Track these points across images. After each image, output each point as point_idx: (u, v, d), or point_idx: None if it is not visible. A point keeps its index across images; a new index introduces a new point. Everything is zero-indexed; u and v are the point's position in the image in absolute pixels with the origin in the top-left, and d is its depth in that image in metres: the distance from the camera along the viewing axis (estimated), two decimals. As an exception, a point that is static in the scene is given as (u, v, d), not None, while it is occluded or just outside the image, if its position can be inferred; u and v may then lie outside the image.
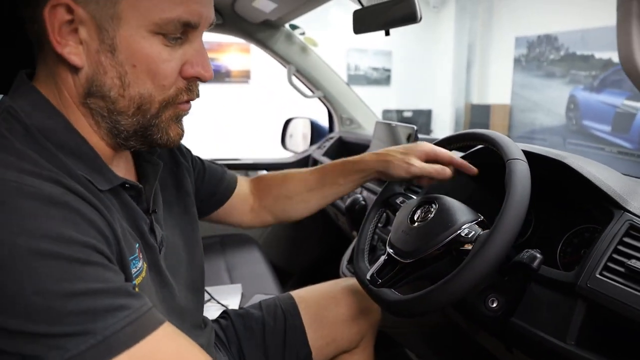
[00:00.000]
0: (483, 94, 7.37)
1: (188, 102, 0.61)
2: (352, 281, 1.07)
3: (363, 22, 1.38)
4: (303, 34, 2.08)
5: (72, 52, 0.53)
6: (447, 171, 0.89)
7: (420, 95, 7.66)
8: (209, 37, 0.85)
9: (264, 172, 2.19)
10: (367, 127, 2.14)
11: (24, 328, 0.42)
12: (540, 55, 6.19)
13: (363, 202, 1.34)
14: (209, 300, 1.38)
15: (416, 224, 0.81)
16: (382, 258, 0.85)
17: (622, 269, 0.67)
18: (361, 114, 2.17)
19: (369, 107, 2.21)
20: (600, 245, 0.71)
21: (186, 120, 0.64)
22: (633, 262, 0.65)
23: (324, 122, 2.32)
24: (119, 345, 0.45)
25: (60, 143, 0.53)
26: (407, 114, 7.43)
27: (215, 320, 1.00)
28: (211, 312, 1.01)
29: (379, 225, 1.11)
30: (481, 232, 0.73)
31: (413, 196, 0.97)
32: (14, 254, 0.42)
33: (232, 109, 5.70)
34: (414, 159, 0.89)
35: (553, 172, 0.88)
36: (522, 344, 0.76)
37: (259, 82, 6.12)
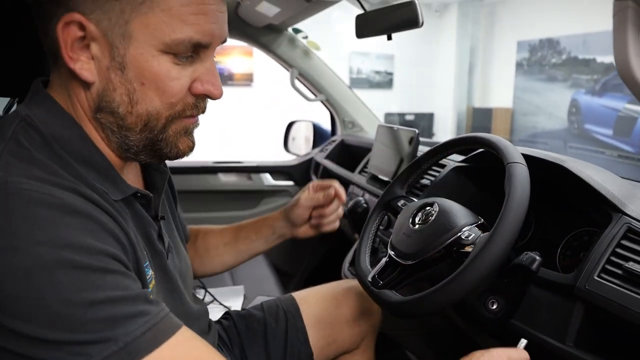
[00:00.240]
0: (485, 98, 7.38)
1: (193, 116, 0.61)
2: (353, 283, 1.08)
3: (365, 26, 1.39)
4: (306, 37, 2.09)
5: (84, 67, 0.53)
6: (331, 191, 0.99)
7: (423, 99, 7.68)
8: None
9: (267, 175, 2.20)
10: (369, 130, 2.15)
11: (47, 336, 0.43)
12: (542, 59, 6.20)
13: (365, 205, 1.36)
14: (212, 302, 1.39)
15: (417, 226, 0.82)
16: (384, 260, 0.86)
17: (620, 272, 0.68)
18: (363, 117, 2.18)
19: (371, 111, 2.22)
20: (599, 248, 0.72)
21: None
22: (631, 265, 0.66)
23: (326, 125, 2.33)
24: (140, 351, 0.46)
25: (75, 153, 0.54)
26: (409, 117, 7.44)
27: (218, 321, 1.01)
28: (214, 313, 1.03)
29: (381, 227, 1.12)
30: (481, 235, 0.74)
31: (414, 199, 0.98)
32: (37, 264, 0.43)
33: (235, 112, 5.72)
34: (302, 195, 1.00)
35: (553, 176, 0.89)
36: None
37: (261, 85, 6.14)
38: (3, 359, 0.44)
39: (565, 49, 5.87)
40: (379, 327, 1.11)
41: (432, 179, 1.16)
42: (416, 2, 1.19)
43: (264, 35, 1.95)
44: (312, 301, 1.03)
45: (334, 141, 2.14)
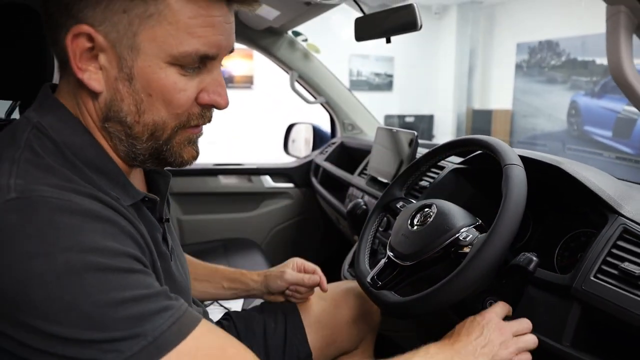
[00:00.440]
0: (485, 100, 7.39)
1: (198, 126, 0.62)
2: (352, 284, 1.09)
3: (364, 29, 1.40)
4: (305, 40, 2.11)
5: (92, 77, 0.54)
6: (316, 277, 1.00)
7: (422, 101, 7.69)
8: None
9: (267, 177, 2.21)
10: (368, 132, 2.16)
11: (80, 336, 0.45)
12: (541, 61, 6.21)
13: (364, 207, 1.36)
14: (211, 303, 1.39)
15: (416, 227, 0.83)
16: (383, 261, 0.86)
17: (616, 272, 0.68)
18: (363, 120, 2.19)
19: (371, 113, 2.23)
20: (595, 249, 0.73)
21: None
22: (626, 265, 0.67)
23: (326, 128, 2.34)
24: (168, 344, 0.48)
25: (87, 160, 0.55)
26: (409, 120, 7.46)
27: (218, 322, 1.01)
28: (214, 314, 1.03)
29: (380, 229, 1.13)
30: (479, 236, 0.75)
31: (413, 201, 0.98)
32: (66, 269, 0.45)
33: (235, 114, 5.73)
34: (288, 269, 1.01)
35: (550, 177, 0.90)
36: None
37: (262, 88, 6.16)
38: (36, 358, 0.46)
39: (564, 51, 5.88)
40: (378, 328, 1.12)
41: (431, 180, 1.17)
42: (415, 5, 1.20)
43: (264, 38, 1.96)
44: (311, 302, 1.04)
45: (333, 143, 2.15)
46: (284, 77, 2.10)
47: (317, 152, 2.24)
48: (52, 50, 0.58)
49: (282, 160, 2.36)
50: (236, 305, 1.40)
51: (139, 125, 0.57)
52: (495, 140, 0.83)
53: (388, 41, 1.32)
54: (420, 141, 1.37)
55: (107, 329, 0.46)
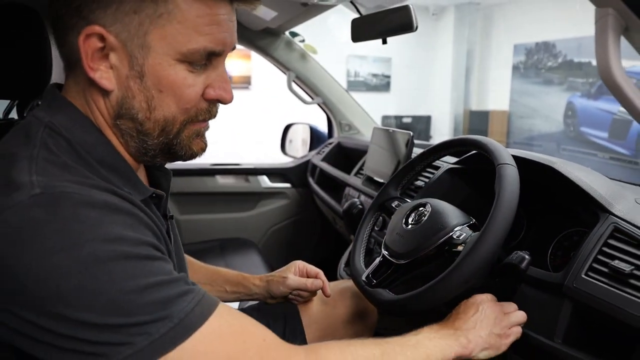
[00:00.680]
0: (482, 101, 7.41)
1: (205, 121, 0.64)
2: (349, 283, 1.09)
3: (361, 30, 1.41)
4: (303, 41, 2.12)
5: (103, 76, 0.56)
6: (318, 282, 1.00)
7: (420, 102, 7.71)
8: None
9: (264, 177, 2.22)
10: (365, 132, 2.17)
11: (108, 321, 0.47)
12: (538, 63, 6.24)
13: (360, 206, 1.37)
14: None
15: (410, 226, 0.84)
16: (378, 260, 0.87)
17: (606, 270, 0.70)
18: (360, 120, 2.20)
19: (367, 113, 2.24)
20: (587, 247, 0.74)
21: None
22: (617, 263, 0.68)
23: (323, 128, 2.35)
24: (193, 325, 0.51)
25: (99, 158, 0.57)
26: (407, 120, 7.48)
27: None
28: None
29: (376, 228, 1.14)
30: (472, 234, 0.76)
31: (408, 200, 0.99)
32: (92, 259, 0.47)
33: (233, 114, 5.73)
34: (290, 274, 1.00)
35: (544, 177, 0.91)
36: (513, 343, 0.78)
37: (259, 88, 6.16)
38: (69, 346, 0.47)
39: (561, 52, 5.91)
40: (375, 327, 1.12)
41: (427, 180, 1.18)
42: (411, 6, 1.21)
43: (261, 38, 1.97)
44: (309, 302, 1.04)
45: (330, 143, 2.16)
46: (282, 77, 2.11)
47: (314, 152, 2.24)
48: (59, 51, 0.59)
49: (279, 160, 2.37)
50: (234, 304, 1.41)
51: (150, 121, 0.59)
52: (489, 140, 0.84)
53: (384, 42, 1.33)
54: (416, 141, 1.38)
55: (134, 314, 0.48)
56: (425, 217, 0.82)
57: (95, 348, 0.47)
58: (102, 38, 0.54)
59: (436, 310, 0.78)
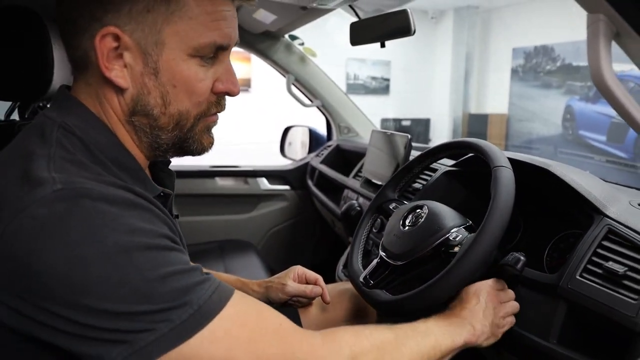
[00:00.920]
0: (481, 104, 7.43)
1: (216, 114, 0.67)
2: (348, 285, 1.10)
3: (360, 34, 1.42)
4: (302, 44, 2.13)
5: (119, 75, 0.58)
6: (318, 288, 0.99)
7: (419, 105, 7.73)
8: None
9: (263, 179, 2.23)
10: (364, 135, 2.18)
11: (133, 309, 0.49)
12: (537, 66, 6.26)
13: (358, 208, 1.38)
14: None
15: (407, 228, 0.84)
16: (375, 261, 0.88)
17: (600, 271, 0.70)
18: (358, 123, 2.21)
19: (366, 116, 2.25)
20: (581, 249, 0.75)
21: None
22: (610, 264, 0.69)
23: (322, 131, 2.36)
24: (212, 311, 0.53)
25: (112, 157, 0.59)
26: (406, 123, 7.49)
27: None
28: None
29: (374, 230, 1.14)
30: (468, 235, 0.77)
31: (406, 202, 1.00)
32: (115, 249, 0.49)
33: (233, 116, 5.75)
34: (289, 281, 1.00)
35: (540, 180, 0.92)
36: (509, 343, 0.79)
37: (259, 91, 6.18)
38: (92, 335, 0.49)
39: (559, 56, 5.94)
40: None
41: (424, 182, 1.19)
42: (409, 10, 1.22)
43: (261, 41, 1.98)
44: (307, 303, 1.05)
45: (329, 146, 2.17)
46: (281, 80, 2.12)
47: (313, 154, 2.25)
48: (69, 54, 0.61)
49: (278, 162, 2.38)
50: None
51: (165, 116, 0.61)
52: (485, 142, 0.85)
53: (382, 45, 1.34)
54: (414, 144, 1.39)
55: (156, 302, 0.49)
56: (422, 219, 0.83)
57: (118, 336, 0.49)
58: (116, 38, 0.56)
59: (433, 310, 0.78)
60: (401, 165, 1.37)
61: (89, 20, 0.57)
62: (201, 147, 0.67)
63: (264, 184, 2.22)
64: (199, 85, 0.61)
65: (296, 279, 1.02)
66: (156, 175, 0.74)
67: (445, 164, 1.17)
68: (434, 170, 1.17)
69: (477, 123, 7.12)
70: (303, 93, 2.15)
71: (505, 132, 6.82)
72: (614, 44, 0.52)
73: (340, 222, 1.68)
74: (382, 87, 7.54)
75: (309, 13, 1.53)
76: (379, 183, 1.46)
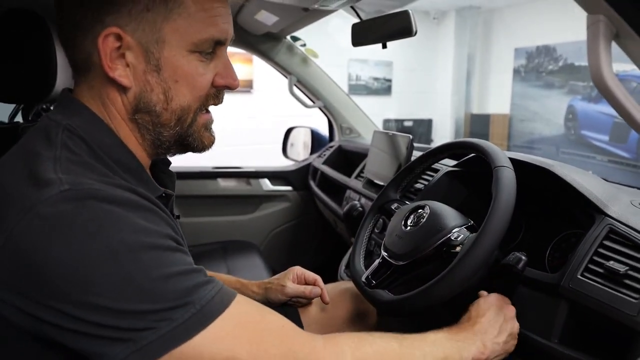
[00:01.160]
0: (483, 104, 7.42)
1: (210, 113, 0.69)
2: (349, 285, 1.10)
3: (361, 35, 1.43)
4: (304, 45, 2.13)
5: (122, 74, 0.60)
6: (317, 289, 1.00)
7: (421, 105, 7.71)
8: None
9: (266, 180, 2.23)
10: (366, 136, 2.18)
11: (137, 308, 0.49)
12: (539, 66, 6.25)
13: (360, 209, 1.38)
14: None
15: (409, 228, 0.85)
16: (377, 261, 0.89)
17: (602, 271, 0.71)
18: (360, 123, 2.21)
19: (368, 117, 2.25)
20: (582, 248, 0.75)
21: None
22: (612, 264, 0.69)
23: (324, 132, 2.37)
24: (214, 312, 0.53)
25: (115, 158, 0.60)
26: (408, 124, 7.49)
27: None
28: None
29: (376, 231, 1.15)
30: (469, 235, 0.77)
31: (408, 202, 1.00)
32: (121, 248, 0.49)
33: (235, 117, 5.76)
34: (288, 282, 1.01)
35: (542, 180, 0.92)
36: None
37: (261, 92, 6.18)
38: (96, 332, 0.49)
39: (561, 56, 5.93)
40: (375, 329, 1.13)
41: (426, 183, 1.19)
42: (410, 11, 1.23)
43: (262, 43, 1.99)
44: (308, 303, 1.05)
45: (331, 147, 2.18)
46: (283, 81, 2.13)
47: (315, 155, 2.26)
48: (70, 56, 0.62)
49: (281, 163, 2.38)
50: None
51: (167, 112, 0.63)
52: (486, 143, 0.85)
53: (384, 46, 1.34)
54: (415, 144, 1.39)
55: (159, 301, 0.50)
56: (424, 219, 0.83)
57: (121, 334, 0.49)
58: (118, 38, 0.58)
59: (434, 310, 0.79)
60: (403, 166, 1.37)
61: (91, 22, 0.58)
62: (202, 144, 0.69)
63: (266, 184, 2.23)
64: (200, 80, 0.63)
65: (295, 280, 1.02)
66: (157, 176, 0.75)
67: (446, 164, 1.17)
68: (436, 171, 1.17)
69: (479, 123, 7.11)
70: (305, 94, 2.16)
71: (507, 133, 6.81)
72: (614, 44, 0.53)
73: (342, 222, 1.69)
74: (384, 88, 7.54)
75: (311, 14, 1.53)
76: (381, 183, 1.46)
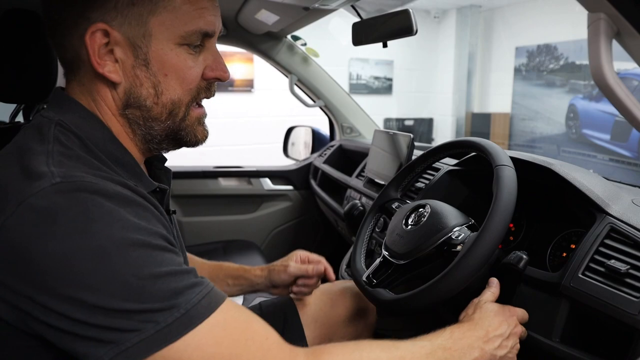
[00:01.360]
0: (484, 103, 7.41)
1: (203, 107, 0.69)
2: (349, 283, 1.10)
3: (362, 34, 1.43)
4: (305, 44, 2.13)
5: (111, 70, 0.60)
6: (320, 267, 1.01)
7: (422, 104, 7.71)
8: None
9: (267, 179, 2.24)
10: (367, 135, 2.18)
11: (120, 306, 0.49)
12: (540, 65, 6.24)
13: (361, 208, 1.38)
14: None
15: (410, 227, 0.85)
16: (378, 260, 0.88)
17: (603, 269, 0.71)
18: (361, 123, 2.21)
19: (369, 116, 2.25)
20: (584, 247, 0.75)
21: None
22: (613, 263, 0.69)
23: (325, 131, 2.36)
24: (199, 316, 0.53)
25: (107, 152, 0.60)
26: (409, 123, 7.48)
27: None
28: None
29: (377, 230, 1.15)
30: (470, 234, 0.77)
31: (409, 201, 1.00)
32: (110, 243, 0.49)
33: (236, 117, 5.76)
34: (291, 262, 1.02)
35: (543, 179, 0.92)
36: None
37: (262, 91, 6.18)
38: (78, 330, 0.49)
39: (562, 54, 5.91)
40: (374, 327, 1.13)
41: (427, 182, 1.19)
42: (411, 10, 1.23)
43: (263, 42, 1.99)
44: (308, 301, 1.06)
45: (332, 146, 2.17)
46: (284, 80, 2.13)
47: (316, 154, 2.26)
48: (60, 55, 0.62)
49: (282, 162, 2.38)
50: (238, 298, 1.42)
51: (157, 106, 0.63)
52: (487, 142, 0.85)
53: (385, 45, 1.34)
54: (416, 144, 1.39)
55: (145, 301, 0.50)
56: (425, 218, 0.83)
57: (105, 334, 0.49)
58: (106, 33, 0.58)
59: (434, 309, 0.79)
60: (404, 165, 1.37)
61: (77, 18, 0.58)
62: (195, 138, 0.68)
63: (267, 184, 2.23)
64: (189, 72, 0.63)
65: (298, 261, 1.03)
66: (152, 173, 0.75)
67: (447, 163, 1.17)
68: (437, 170, 1.17)
69: (480, 122, 7.10)
70: (306, 93, 2.16)
71: (508, 131, 6.80)
72: (614, 42, 0.52)
73: (343, 221, 1.69)
74: (384, 87, 7.53)
75: (311, 13, 1.53)
76: (382, 183, 1.46)
